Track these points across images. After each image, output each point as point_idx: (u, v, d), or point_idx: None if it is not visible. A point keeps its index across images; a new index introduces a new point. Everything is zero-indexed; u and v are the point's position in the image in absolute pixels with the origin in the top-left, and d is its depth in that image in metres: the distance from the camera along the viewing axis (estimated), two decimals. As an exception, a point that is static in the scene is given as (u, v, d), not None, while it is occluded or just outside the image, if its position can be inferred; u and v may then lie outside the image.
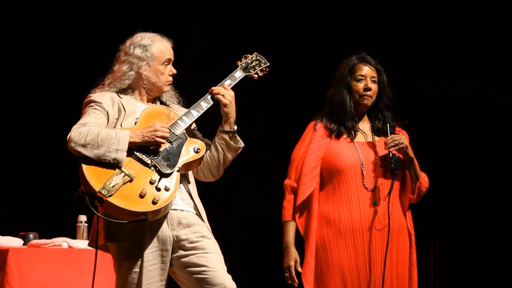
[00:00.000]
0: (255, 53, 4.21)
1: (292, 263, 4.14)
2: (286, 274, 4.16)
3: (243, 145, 4.04)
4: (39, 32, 6.61)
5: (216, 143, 4.01)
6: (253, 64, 4.17)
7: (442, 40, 6.73)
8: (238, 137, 4.02)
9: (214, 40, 6.81)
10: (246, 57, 4.18)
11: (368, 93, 4.23)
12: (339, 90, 4.25)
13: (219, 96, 3.97)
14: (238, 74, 4.10)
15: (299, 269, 4.14)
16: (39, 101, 6.56)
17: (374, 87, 4.25)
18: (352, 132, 4.24)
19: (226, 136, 3.99)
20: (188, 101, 4.12)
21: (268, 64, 4.19)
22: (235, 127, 4.02)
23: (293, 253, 4.16)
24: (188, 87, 4.27)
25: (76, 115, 3.98)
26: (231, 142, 4.00)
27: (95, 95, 3.96)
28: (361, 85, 4.24)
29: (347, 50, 4.43)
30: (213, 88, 4.00)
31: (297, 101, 6.27)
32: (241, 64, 4.15)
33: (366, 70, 4.25)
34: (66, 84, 6.39)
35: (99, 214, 3.74)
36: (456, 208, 6.78)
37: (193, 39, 6.79)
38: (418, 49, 6.68)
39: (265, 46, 4.32)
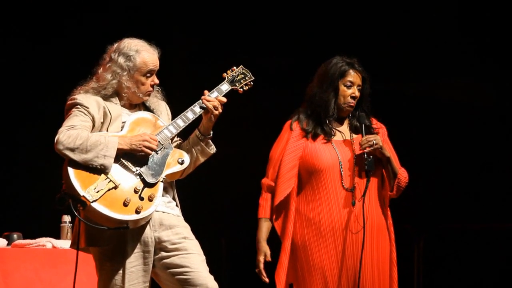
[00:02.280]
0: (241, 66, 4.20)
1: (262, 258, 4.18)
2: (257, 269, 4.19)
3: (215, 150, 4.05)
4: (19, 32, 6.60)
5: (192, 148, 4.02)
6: (239, 77, 4.16)
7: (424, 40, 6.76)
8: (211, 142, 4.05)
9: (200, 44, 6.83)
10: (232, 70, 4.17)
11: (354, 101, 4.25)
12: (325, 91, 4.24)
13: (213, 110, 3.96)
14: (225, 87, 4.09)
15: (269, 259, 4.17)
16: (23, 101, 6.55)
17: (358, 95, 4.26)
18: (329, 133, 4.25)
19: (203, 142, 4.01)
20: (174, 108, 4.12)
21: (253, 78, 4.19)
22: (211, 132, 4.03)
23: (263, 248, 4.19)
24: (174, 95, 4.27)
25: (60, 115, 3.97)
26: (206, 148, 4.02)
27: (81, 98, 3.92)
28: (348, 92, 4.24)
29: (330, 49, 4.44)
30: (207, 98, 3.98)
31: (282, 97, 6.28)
32: (227, 77, 4.14)
33: (355, 77, 4.25)
34: (49, 84, 6.38)
35: (81, 218, 3.75)
36: (440, 208, 6.81)
37: (177, 44, 6.80)
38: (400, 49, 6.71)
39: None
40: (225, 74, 4.16)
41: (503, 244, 6.69)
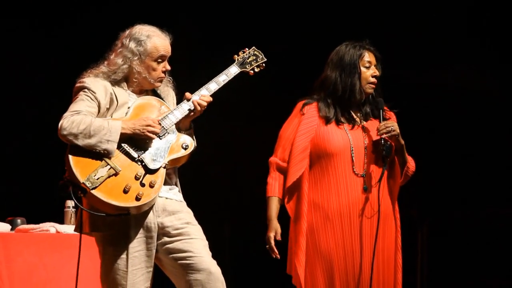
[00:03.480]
0: (253, 47, 4.18)
1: (272, 234, 4.14)
2: (267, 246, 4.17)
3: (195, 145, 3.98)
4: (27, 23, 6.60)
5: None
6: (250, 59, 4.14)
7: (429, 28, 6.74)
8: (193, 135, 4.00)
9: (208, 30, 6.81)
10: (244, 51, 4.15)
11: (375, 80, 4.24)
12: (348, 76, 4.20)
13: (198, 107, 3.92)
14: (234, 70, 4.07)
15: (279, 238, 4.14)
16: (26, 87, 6.55)
17: (379, 73, 4.25)
18: (354, 121, 4.24)
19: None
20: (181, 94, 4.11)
21: (265, 59, 4.17)
22: (192, 125, 4.00)
23: (274, 225, 4.15)
24: (181, 80, 4.26)
25: (63, 102, 3.97)
26: None
27: (89, 81, 3.91)
28: (369, 72, 4.24)
29: (336, 38, 4.43)
30: (194, 100, 3.93)
31: (291, 83, 6.26)
32: (237, 59, 4.12)
33: (371, 57, 4.25)
34: (52, 72, 6.38)
35: (81, 206, 3.76)
36: (444, 194, 6.80)
37: (184, 31, 6.78)
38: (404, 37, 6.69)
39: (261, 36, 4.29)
40: (236, 56, 4.14)
41: (509, 230, 6.69)
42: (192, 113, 3.95)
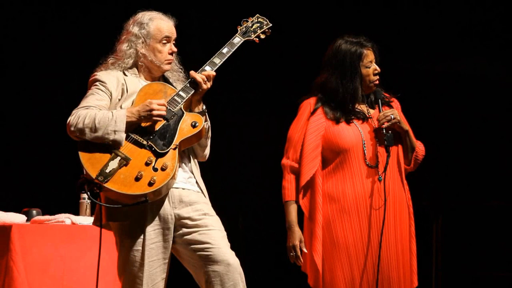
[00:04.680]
0: (257, 15, 4.13)
1: (297, 243, 4.13)
2: (292, 254, 4.14)
3: (209, 124, 3.97)
4: (39, 18, 6.59)
5: None
6: (253, 27, 4.09)
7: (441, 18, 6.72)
8: (206, 116, 3.96)
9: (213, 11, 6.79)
10: (247, 20, 4.11)
11: (378, 77, 4.22)
12: (350, 80, 4.18)
13: (203, 85, 3.88)
14: (237, 40, 4.03)
15: (304, 249, 4.13)
16: (40, 81, 6.55)
17: (379, 69, 4.24)
18: (364, 117, 4.22)
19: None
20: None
21: (270, 25, 4.11)
22: (204, 106, 3.97)
23: (298, 232, 4.15)
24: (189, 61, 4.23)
25: (78, 94, 3.96)
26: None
27: (101, 74, 3.93)
28: (370, 70, 4.22)
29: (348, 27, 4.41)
30: (194, 75, 3.89)
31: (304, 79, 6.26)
32: (240, 29, 4.08)
33: (370, 54, 4.22)
34: (68, 65, 6.38)
35: (97, 201, 3.75)
36: (459, 185, 6.79)
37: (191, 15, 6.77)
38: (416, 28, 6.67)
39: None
40: (238, 26, 4.09)
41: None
42: (201, 90, 3.90)
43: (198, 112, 3.92)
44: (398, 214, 4.18)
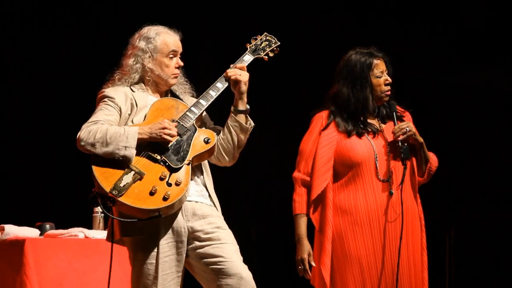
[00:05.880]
0: (265, 33, 4.15)
1: (306, 256, 4.13)
2: (300, 267, 4.15)
3: (253, 124, 4.00)
4: (46, 27, 6.63)
5: (230, 125, 3.97)
6: (262, 45, 4.12)
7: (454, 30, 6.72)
8: (248, 117, 4.00)
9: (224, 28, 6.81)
10: (255, 39, 4.13)
11: (389, 87, 4.22)
12: (360, 90, 4.19)
13: (237, 76, 3.93)
14: (247, 58, 4.05)
15: (313, 263, 4.13)
16: (55, 92, 6.58)
17: (391, 80, 4.24)
18: (376, 130, 4.22)
19: (240, 117, 3.96)
20: (199, 91, 4.10)
21: (279, 43, 4.14)
22: (248, 106, 3.99)
23: (306, 246, 4.15)
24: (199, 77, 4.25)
25: (91, 107, 3.98)
26: (243, 123, 3.97)
27: (109, 90, 3.95)
28: (381, 80, 4.22)
29: (358, 40, 4.42)
30: (228, 71, 3.97)
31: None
32: (250, 47, 4.10)
33: (381, 64, 4.23)
34: (81, 77, 6.40)
35: (110, 215, 3.76)
36: (471, 197, 6.77)
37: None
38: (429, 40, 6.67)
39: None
40: (248, 44, 4.12)
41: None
42: (235, 84, 3.93)
43: (242, 111, 3.95)
44: (410, 226, 4.18)
